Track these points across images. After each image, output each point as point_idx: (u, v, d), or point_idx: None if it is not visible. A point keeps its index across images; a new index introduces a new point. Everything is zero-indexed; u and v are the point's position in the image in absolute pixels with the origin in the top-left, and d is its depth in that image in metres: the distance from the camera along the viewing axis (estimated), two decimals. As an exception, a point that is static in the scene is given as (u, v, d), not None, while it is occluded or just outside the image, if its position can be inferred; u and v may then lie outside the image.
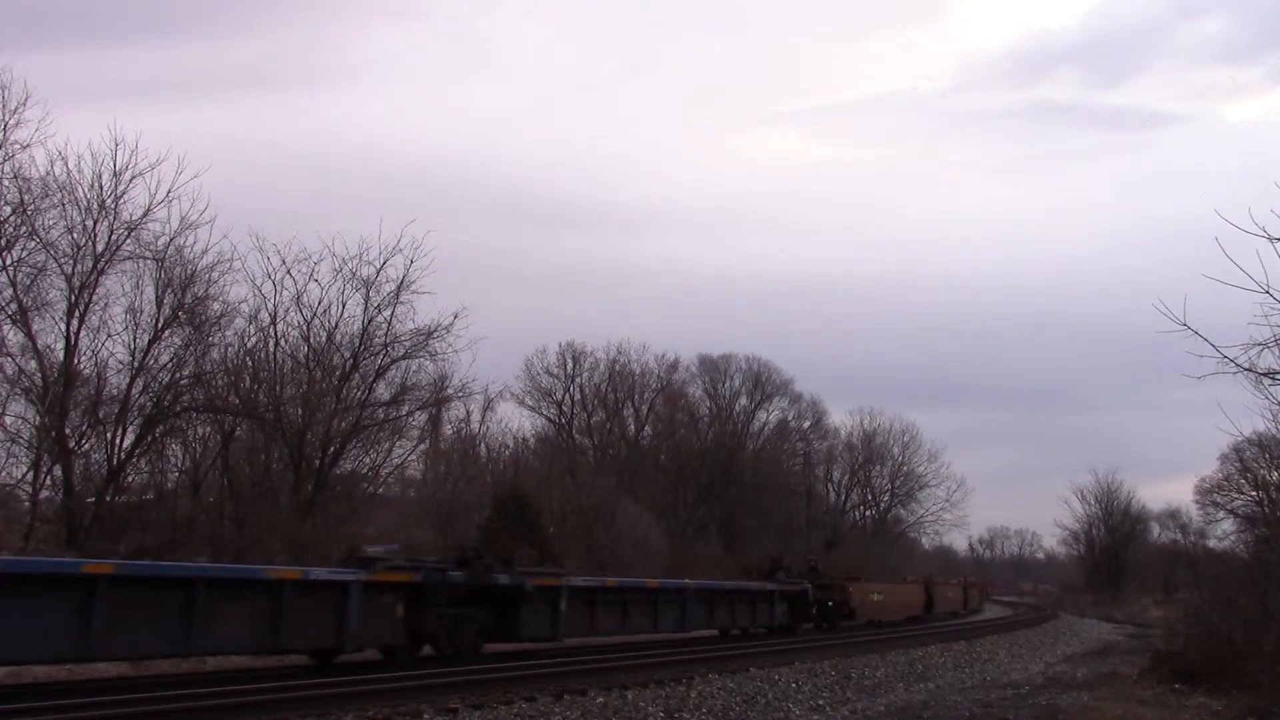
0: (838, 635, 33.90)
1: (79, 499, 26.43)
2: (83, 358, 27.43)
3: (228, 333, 30.98)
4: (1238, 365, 12.22)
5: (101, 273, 27.32)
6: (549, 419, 64.11)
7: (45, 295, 26.70)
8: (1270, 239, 11.47)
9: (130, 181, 27.54)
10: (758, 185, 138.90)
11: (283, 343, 33.40)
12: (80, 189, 27.04)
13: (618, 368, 64.87)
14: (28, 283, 26.37)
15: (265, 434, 31.05)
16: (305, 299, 33.21)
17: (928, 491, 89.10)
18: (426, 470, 43.12)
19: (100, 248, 27.19)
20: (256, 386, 31.68)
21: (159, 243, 28.27)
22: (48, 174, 26.45)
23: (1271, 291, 11.80)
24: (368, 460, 35.40)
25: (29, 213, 26.10)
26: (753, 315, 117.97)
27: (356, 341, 33.65)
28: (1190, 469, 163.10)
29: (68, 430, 26.64)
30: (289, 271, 32.79)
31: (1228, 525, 64.62)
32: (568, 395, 64.47)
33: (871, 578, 47.67)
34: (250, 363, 31.94)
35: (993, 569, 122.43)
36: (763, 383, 72.93)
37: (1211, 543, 66.48)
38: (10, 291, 26.07)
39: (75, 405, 27.02)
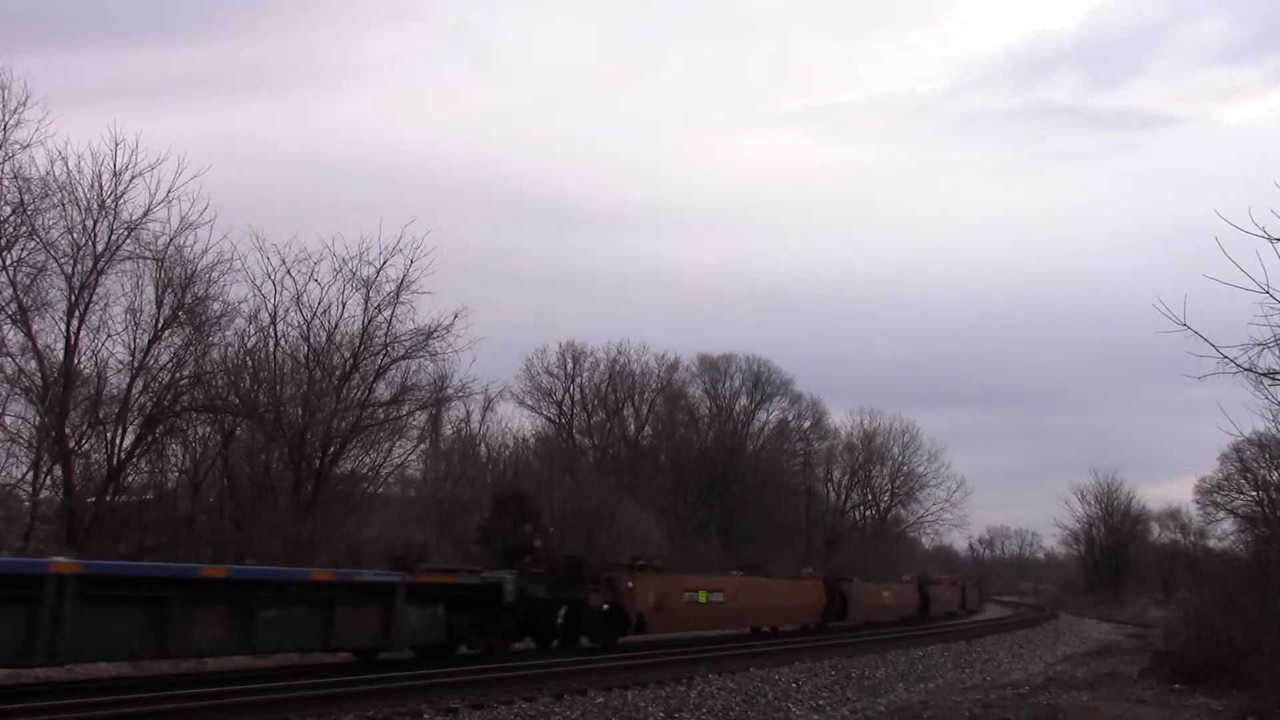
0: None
1: (79, 499, 26.43)
2: (83, 358, 27.45)
3: (228, 333, 31.03)
4: (1238, 365, 12.22)
5: (101, 273, 27.33)
6: (549, 419, 64.23)
7: (45, 295, 26.71)
8: (1270, 239, 11.46)
9: (130, 181, 27.56)
10: (758, 186, 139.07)
11: (283, 343, 33.43)
12: (80, 189, 27.06)
13: (618, 368, 64.99)
14: (28, 283, 26.38)
15: (265, 434, 31.05)
16: (305, 299, 33.24)
17: (928, 491, 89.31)
18: (426, 470, 43.14)
19: (100, 248, 27.19)
20: (256, 386, 31.69)
21: (159, 243, 28.29)
22: (48, 174, 26.47)
23: (1271, 291, 11.79)
24: (368, 460, 35.43)
25: (29, 213, 26.11)
26: (753, 315, 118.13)
27: (356, 341, 33.67)
28: (1190, 469, 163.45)
29: (68, 430, 26.63)
30: (289, 271, 32.82)
31: (1228, 525, 64.67)
32: (568, 395, 64.58)
33: (698, 570, 35.34)
34: (250, 363, 31.96)
35: (993, 569, 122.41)
36: (763, 383, 73.03)
37: (1211, 543, 66.49)
38: (10, 291, 26.08)
39: (75, 405, 27.02)
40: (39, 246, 26.46)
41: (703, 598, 29.22)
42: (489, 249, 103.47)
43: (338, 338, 33.82)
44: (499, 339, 70.63)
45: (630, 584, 26.22)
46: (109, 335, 27.89)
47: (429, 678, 16.51)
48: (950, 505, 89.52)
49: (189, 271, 28.86)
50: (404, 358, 34.30)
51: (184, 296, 28.68)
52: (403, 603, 19.24)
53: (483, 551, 34.99)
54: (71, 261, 26.88)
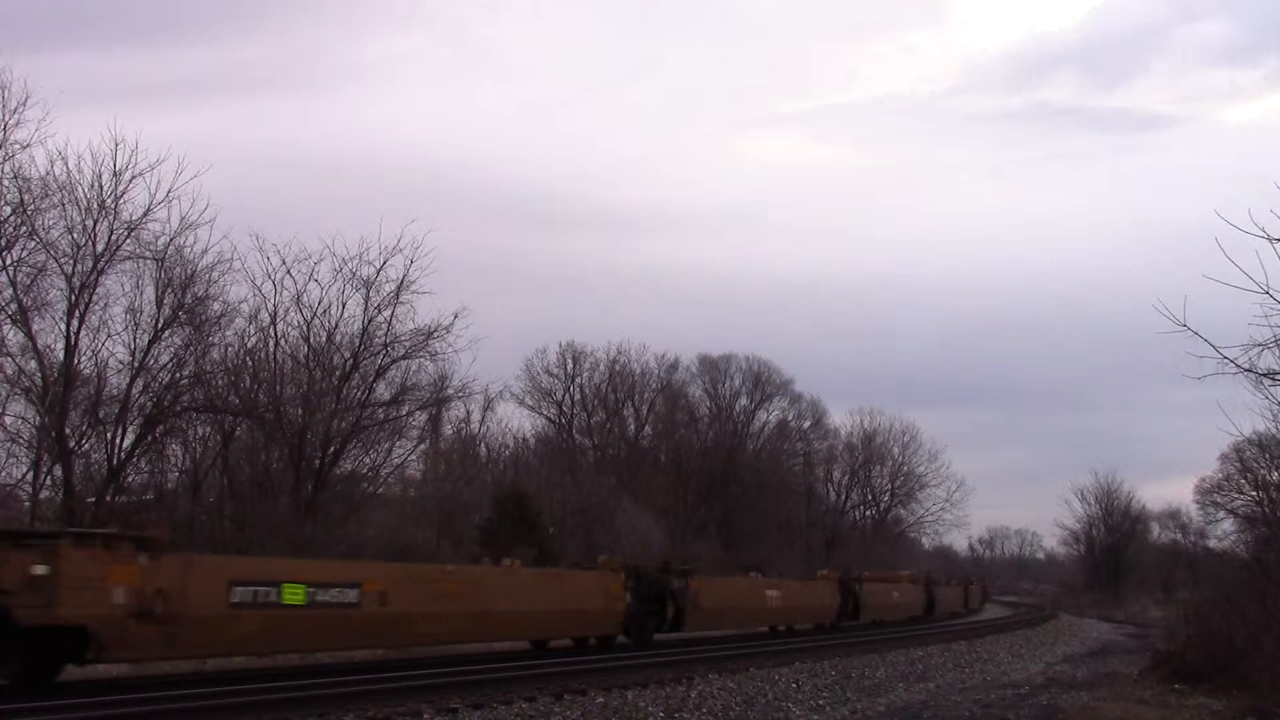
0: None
1: (79, 499, 26.45)
2: (83, 358, 27.48)
3: (228, 333, 31.06)
4: (1238, 366, 12.25)
5: (101, 273, 27.35)
6: (549, 419, 64.27)
7: (45, 295, 26.75)
8: (1270, 239, 11.49)
9: (130, 181, 27.57)
10: (758, 186, 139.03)
11: (283, 343, 33.44)
12: (80, 189, 27.08)
13: (618, 368, 65.07)
14: (28, 283, 26.41)
15: (265, 434, 31.06)
16: (305, 299, 33.25)
17: (928, 491, 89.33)
18: (426, 470, 43.21)
19: (100, 248, 27.21)
20: (256, 386, 31.70)
21: (159, 243, 28.31)
22: (48, 174, 26.50)
23: (1271, 292, 11.82)
24: (368, 460, 35.46)
25: (29, 213, 26.13)
26: (753, 315, 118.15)
27: (356, 341, 33.67)
28: (1190, 469, 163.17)
29: (68, 430, 26.65)
30: (289, 271, 32.83)
31: (1228, 525, 64.59)
32: (568, 395, 64.64)
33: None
34: (250, 363, 31.97)
35: (993, 569, 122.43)
36: (763, 383, 73.07)
37: (1211, 543, 66.48)
38: (10, 291, 26.11)
39: (75, 405, 27.04)
40: (39, 246, 26.50)
41: (295, 598, 16.95)
42: (489, 249, 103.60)
43: (338, 338, 33.86)
44: (499, 339, 70.79)
45: (40, 570, 13.67)
46: (109, 335, 27.96)
47: (429, 678, 16.53)
48: (950, 505, 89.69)
49: (189, 271, 28.90)
50: (404, 358, 34.32)
51: (184, 296, 28.70)
52: None
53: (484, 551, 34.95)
54: (71, 261, 26.91)
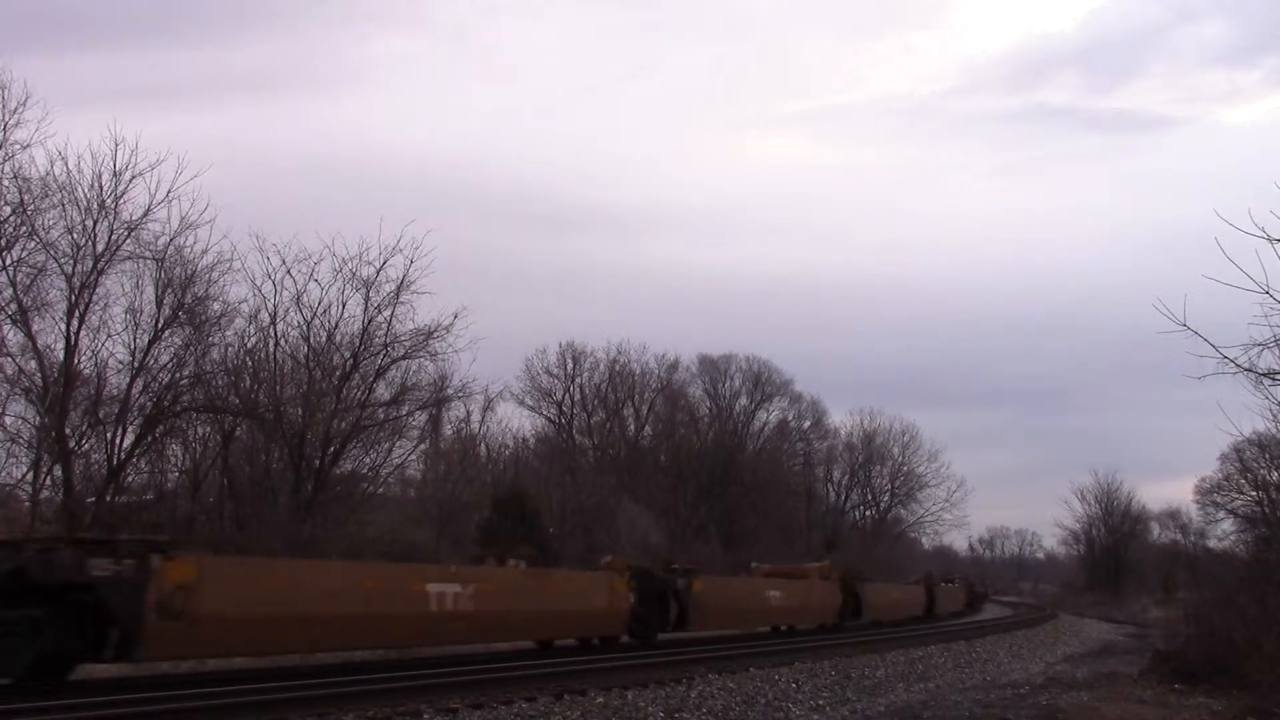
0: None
1: (79, 499, 26.45)
2: (83, 358, 27.48)
3: (228, 333, 31.08)
4: (1238, 365, 12.25)
5: (101, 273, 27.36)
6: (549, 419, 64.25)
7: (45, 295, 26.76)
8: (1270, 239, 11.49)
9: (130, 181, 27.59)
10: (758, 186, 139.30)
11: (283, 343, 33.44)
12: (80, 189, 27.10)
13: (618, 368, 65.05)
14: (28, 283, 26.42)
15: (265, 434, 31.07)
16: (305, 299, 33.26)
17: (928, 491, 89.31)
18: (426, 470, 43.23)
19: (100, 248, 27.22)
20: (256, 386, 31.71)
21: (159, 243, 28.33)
22: (48, 174, 26.52)
23: (1271, 292, 11.82)
24: (368, 460, 35.45)
25: (29, 213, 26.15)
26: (753, 315, 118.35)
27: (356, 341, 33.67)
28: (1190, 469, 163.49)
29: (68, 430, 26.65)
30: (289, 271, 32.83)
31: (1228, 525, 64.84)
32: (568, 395, 64.61)
33: None
34: (250, 363, 31.98)
35: (992, 569, 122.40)
36: (763, 383, 73.05)
37: (1211, 543, 66.61)
38: (10, 291, 26.11)
39: (75, 405, 27.04)
40: (39, 246, 26.52)
41: None
42: (489, 249, 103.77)
43: (338, 338, 33.85)
44: (499, 339, 70.85)
45: None
46: (109, 335, 27.97)
47: (429, 678, 16.51)
48: (950, 505, 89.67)
49: (189, 271, 28.92)
50: (404, 358, 34.32)
51: (184, 296, 28.71)
52: None
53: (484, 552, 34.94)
54: (71, 261, 26.91)
